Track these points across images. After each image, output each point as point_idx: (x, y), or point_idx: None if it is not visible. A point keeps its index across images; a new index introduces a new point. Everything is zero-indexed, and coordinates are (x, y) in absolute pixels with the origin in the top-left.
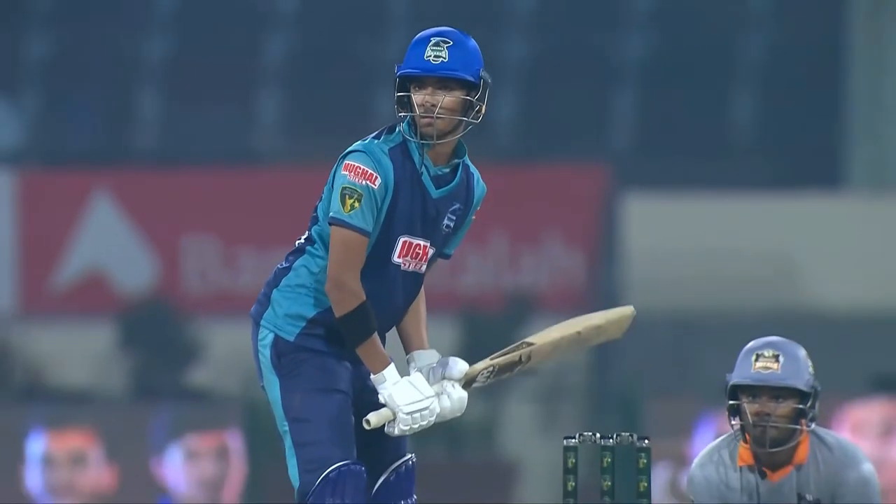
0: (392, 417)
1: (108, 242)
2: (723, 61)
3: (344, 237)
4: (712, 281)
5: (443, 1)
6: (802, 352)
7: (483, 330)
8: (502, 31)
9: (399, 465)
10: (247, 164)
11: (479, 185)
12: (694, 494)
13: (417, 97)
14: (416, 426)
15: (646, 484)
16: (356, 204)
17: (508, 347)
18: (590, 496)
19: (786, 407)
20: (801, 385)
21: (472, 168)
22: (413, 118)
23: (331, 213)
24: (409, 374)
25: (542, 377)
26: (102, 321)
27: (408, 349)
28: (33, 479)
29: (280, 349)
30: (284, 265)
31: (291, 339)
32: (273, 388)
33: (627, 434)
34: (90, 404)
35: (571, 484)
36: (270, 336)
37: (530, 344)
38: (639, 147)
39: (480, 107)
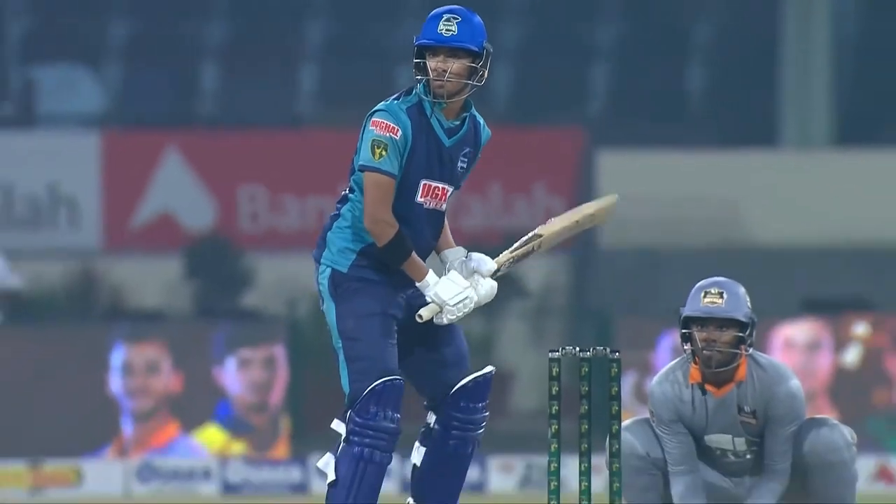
0: (439, 310)
1: (177, 190)
2: (679, 43)
3: (376, 180)
4: (671, 222)
5: None
6: (742, 289)
7: None
8: (500, 17)
9: (479, 376)
10: (290, 126)
11: (485, 131)
12: (654, 406)
13: (431, 63)
14: (461, 313)
15: (616, 388)
16: (383, 153)
17: (522, 240)
18: (571, 399)
19: (728, 335)
20: (741, 317)
21: (479, 117)
22: (428, 81)
23: (361, 162)
24: (445, 274)
25: (532, 299)
26: (171, 254)
27: (438, 251)
28: (115, 384)
29: (336, 280)
30: (335, 213)
31: (345, 270)
32: (330, 312)
33: (602, 347)
34: (162, 322)
35: (555, 389)
36: (328, 270)
37: (539, 235)
38: (610, 113)
39: (483, 72)
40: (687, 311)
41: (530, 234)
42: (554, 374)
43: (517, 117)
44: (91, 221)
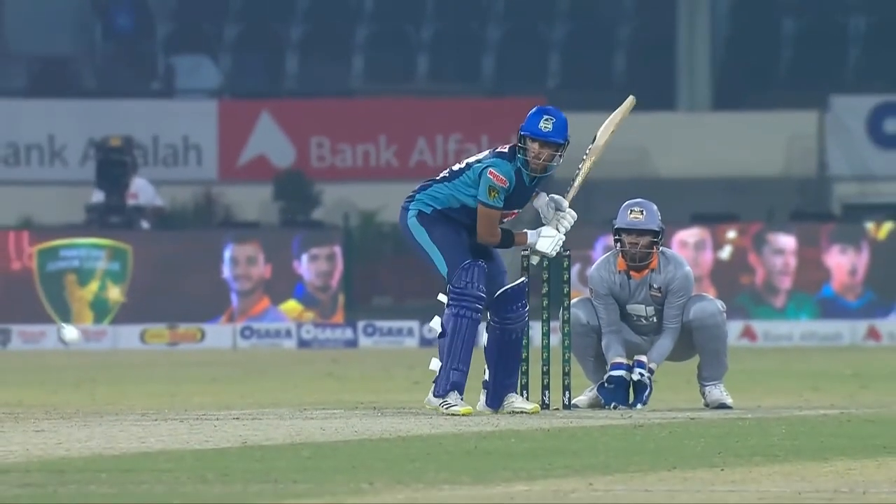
0: (541, 256)
1: (269, 140)
2: (608, 37)
3: (489, 213)
4: (604, 163)
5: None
6: (655, 207)
7: None
8: (486, 17)
9: (515, 285)
10: (345, 96)
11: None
12: (592, 285)
13: (536, 149)
14: (559, 249)
15: (567, 276)
16: (496, 195)
17: (581, 169)
18: (536, 283)
19: (646, 240)
20: (655, 227)
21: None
22: (527, 160)
23: (480, 199)
24: (541, 225)
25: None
26: (265, 183)
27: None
28: (226, 272)
29: (422, 218)
30: (427, 183)
31: (429, 211)
32: (422, 234)
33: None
34: (258, 229)
35: (526, 277)
36: (414, 211)
37: (590, 156)
38: (564, 87)
39: (562, 154)
40: (618, 224)
41: (583, 158)
42: (524, 265)
43: (499, 90)
44: (211, 161)
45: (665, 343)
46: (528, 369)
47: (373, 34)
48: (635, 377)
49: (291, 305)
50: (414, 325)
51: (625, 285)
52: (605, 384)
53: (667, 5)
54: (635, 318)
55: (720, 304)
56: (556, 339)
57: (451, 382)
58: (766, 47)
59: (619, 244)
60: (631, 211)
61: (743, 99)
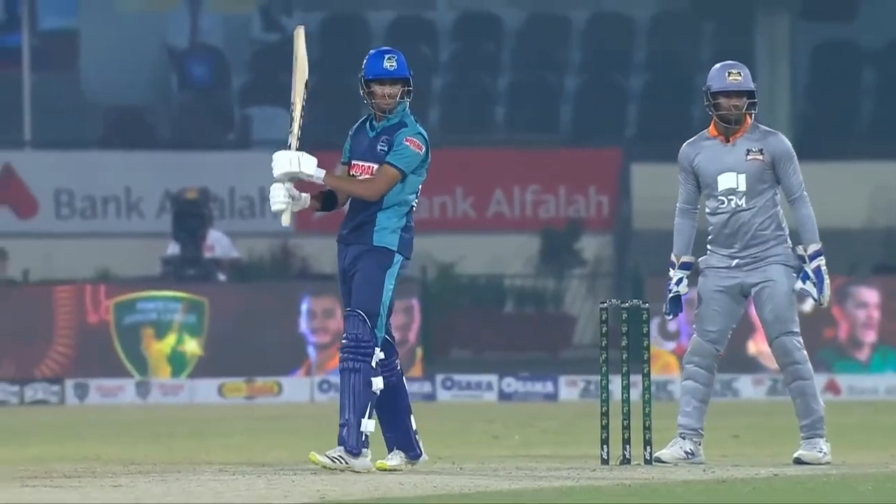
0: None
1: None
2: (687, 89)
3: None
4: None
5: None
6: (748, 70)
7: (554, 242)
8: (563, 69)
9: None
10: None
11: (401, 134)
12: (679, 159)
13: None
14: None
15: (646, 329)
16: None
17: (294, 113)
18: (615, 336)
19: (744, 101)
20: (752, 87)
21: (409, 125)
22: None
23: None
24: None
25: (587, 266)
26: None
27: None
28: (303, 324)
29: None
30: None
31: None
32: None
33: (636, 300)
34: (335, 281)
35: (604, 329)
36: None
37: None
38: (638, 138)
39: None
40: (715, 87)
41: (294, 106)
42: (603, 318)
43: (577, 140)
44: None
45: (806, 213)
46: (608, 423)
47: (449, 84)
48: (812, 267)
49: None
50: (493, 378)
51: (717, 150)
52: (670, 292)
53: (745, 55)
54: (724, 202)
55: (798, 341)
56: (636, 393)
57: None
58: (847, 96)
59: (715, 108)
60: (729, 73)
61: (824, 149)
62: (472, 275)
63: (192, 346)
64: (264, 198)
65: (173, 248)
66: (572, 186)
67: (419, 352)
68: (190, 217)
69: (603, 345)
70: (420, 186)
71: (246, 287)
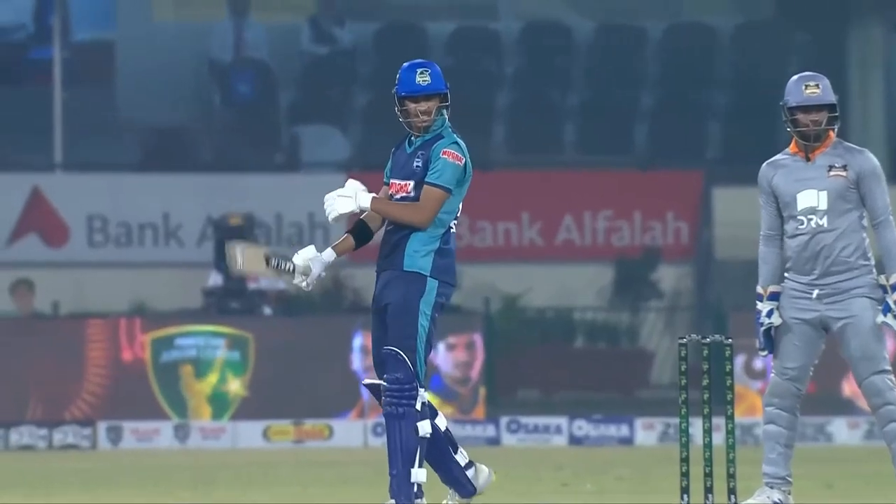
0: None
1: None
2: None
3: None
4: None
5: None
6: (826, 80)
7: (629, 272)
8: (639, 84)
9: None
10: (484, 169)
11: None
12: (759, 179)
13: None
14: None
15: (730, 367)
16: None
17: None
18: (695, 374)
19: (824, 115)
20: (832, 100)
21: (445, 136)
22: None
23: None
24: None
25: (666, 299)
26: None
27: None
28: (356, 362)
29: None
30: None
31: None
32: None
33: (718, 335)
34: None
35: (684, 367)
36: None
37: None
38: (721, 159)
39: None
40: (792, 102)
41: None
42: (682, 355)
43: (653, 162)
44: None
45: (891, 239)
46: (688, 470)
47: (514, 101)
48: (894, 298)
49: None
50: (562, 421)
51: (797, 168)
52: (761, 325)
53: (837, 70)
54: (804, 223)
55: (890, 379)
56: (719, 438)
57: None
58: None
59: (793, 125)
60: (806, 86)
61: None
62: (539, 308)
63: (235, 386)
64: (314, 223)
65: (215, 279)
66: (649, 212)
67: (482, 392)
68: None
69: (682, 384)
70: (460, 205)
71: (294, 321)
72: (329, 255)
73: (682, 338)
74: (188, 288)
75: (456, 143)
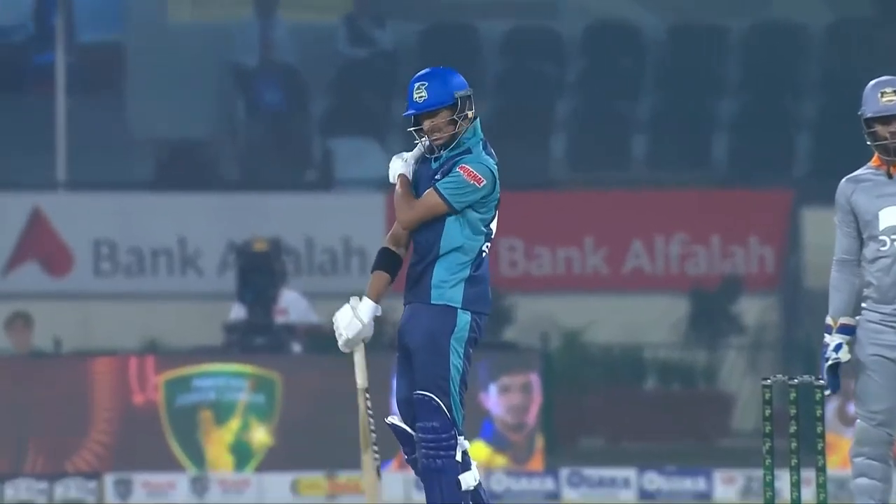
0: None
1: None
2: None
3: None
4: None
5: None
6: None
7: (706, 304)
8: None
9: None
10: (542, 188)
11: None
12: (836, 197)
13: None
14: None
15: (821, 411)
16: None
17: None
18: (782, 420)
19: None
20: None
21: (474, 152)
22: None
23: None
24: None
25: (748, 334)
26: None
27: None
28: (396, 406)
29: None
30: None
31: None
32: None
33: (808, 376)
34: None
35: (768, 411)
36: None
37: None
38: (812, 177)
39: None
40: (868, 112)
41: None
42: (767, 398)
43: (734, 180)
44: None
45: None
46: None
47: (576, 110)
48: None
49: (477, 448)
50: (631, 473)
51: (878, 184)
52: (826, 360)
53: None
54: (881, 237)
55: None
56: (808, 493)
57: None
58: None
59: (872, 137)
60: (882, 94)
61: None
62: (604, 344)
63: (260, 434)
64: (349, 249)
65: (238, 312)
66: (729, 236)
67: (539, 440)
68: (258, 274)
69: (767, 431)
70: (492, 228)
71: (327, 360)
72: (371, 309)
73: (766, 379)
74: (207, 322)
75: (482, 163)
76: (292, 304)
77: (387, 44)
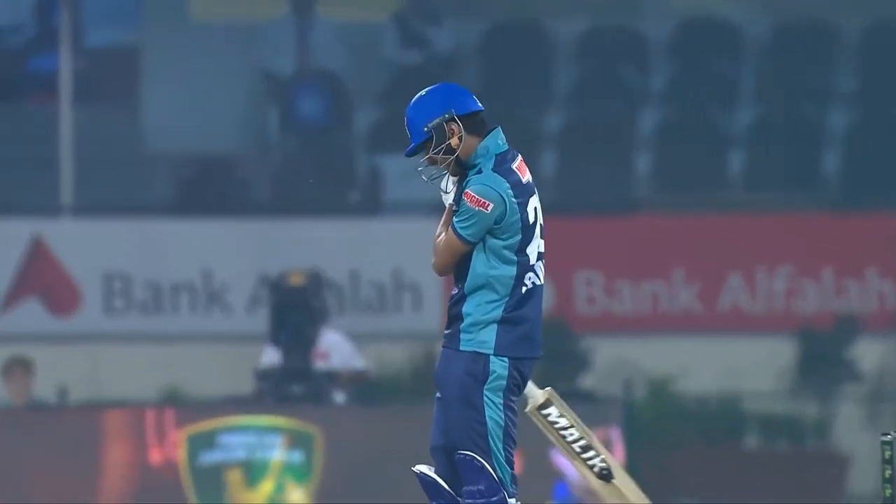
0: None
1: None
2: None
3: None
4: None
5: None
6: None
7: (817, 347)
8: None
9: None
10: (625, 212)
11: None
12: None
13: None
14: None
15: None
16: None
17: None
18: (871, 465)
19: None
20: None
21: (483, 171)
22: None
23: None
24: None
25: (866, 383)
26: None
27: None
28: None
29: None
30: None
31: None
32: None
33: None
34: None
35: (888, 472)
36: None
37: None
38: None
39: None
40: None
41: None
42: (887, 457)
43: (849, 202)
44: (433, 305)
45: None
46: None
47: (664, 122)
48: None
49: None
50: None
51: None
52: None
53: None
54: None
55: None
56: None
57: None
58: None
59: None
60: None
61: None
62: (697, 394)
63: (297, 496)
64: (400, 283)
65: (271, 357)
66: (843, 267)
67: None
68: (295, 311)
69: (888, 495)
70: (529, 255)
71: (374, 412)
72: None
73: (886, 434)
74: (236, 368)
75: (484, 184)
76: (334, 347)
77: (443, 46)
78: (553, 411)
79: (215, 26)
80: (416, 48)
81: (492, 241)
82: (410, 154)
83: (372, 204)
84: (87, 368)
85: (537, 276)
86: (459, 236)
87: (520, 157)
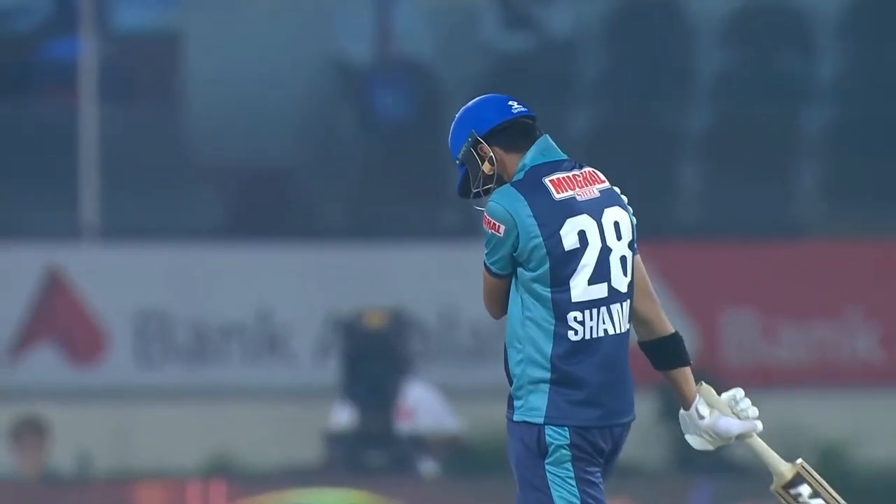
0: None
1: None
2: None
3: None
4: None
5: None
6: None
7: None
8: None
9: None
10: (787, 236)
11: None
12: None
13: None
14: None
15: None
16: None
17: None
18: None
19: None
20: None
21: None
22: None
23: None
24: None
25: None
26: (643, 393)
27: None
28: None
29: None
30: None
31: None
32: None
33: None
34: (632, 474)
35: None
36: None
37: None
38: None
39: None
40: None
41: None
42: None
43: None
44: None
45: None
46: None
47: (834, 121)
48: None
49: None
50: None
51: None
52: None
53: None
54: None
55: None
56: None
57: None
58: None
59: None
60: None
61: None
62: (879, 462)
63: None
64: (503, 327)
65: (343, 416)
66: None
67: None
68: (373, 360)
69: None
70: (572, 287)
71: (468, 484)
72: (683, 416)
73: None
74: (299, 430)
75: (492, 199)
76: (422, 404)
77: (554, 30)
78: (804, 490)
79: (274, 6)
80: (522, 32)
81: (522, 274)
82: (462, 194)
83: (469, 226)
84: (115, 431)
85: (594, 318)
86: (486, 267)
87: (569, 169)
